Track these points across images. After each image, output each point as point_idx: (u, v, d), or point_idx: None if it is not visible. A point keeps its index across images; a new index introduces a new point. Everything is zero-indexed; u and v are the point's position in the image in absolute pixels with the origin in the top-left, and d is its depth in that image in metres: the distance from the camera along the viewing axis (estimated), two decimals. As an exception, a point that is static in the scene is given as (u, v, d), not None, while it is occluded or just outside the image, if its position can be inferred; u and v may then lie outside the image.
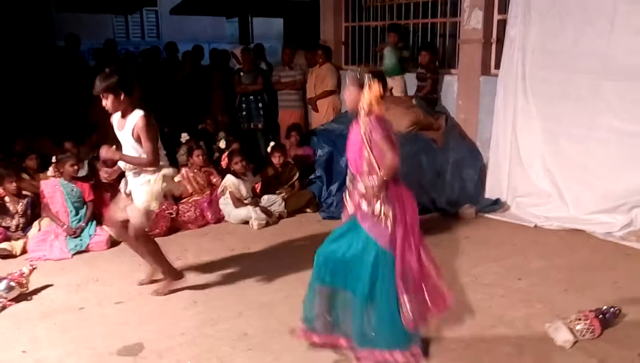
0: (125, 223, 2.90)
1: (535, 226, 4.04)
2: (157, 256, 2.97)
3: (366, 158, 2.20)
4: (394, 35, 5.20)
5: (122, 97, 2.73)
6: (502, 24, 4.55)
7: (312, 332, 2.34)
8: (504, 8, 4.56)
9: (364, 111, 2.20)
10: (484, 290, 2.99)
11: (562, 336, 2.41)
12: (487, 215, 4.30)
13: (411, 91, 5.19)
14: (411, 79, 5.22)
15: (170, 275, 2.99)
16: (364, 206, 2.22)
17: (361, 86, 2.20)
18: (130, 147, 2.76)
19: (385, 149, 2.16)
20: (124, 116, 2.78)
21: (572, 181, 4.01)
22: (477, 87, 4.73)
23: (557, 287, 3.02)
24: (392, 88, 5.35)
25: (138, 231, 2.84)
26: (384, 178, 2.18)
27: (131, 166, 2.79)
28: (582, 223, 3.89)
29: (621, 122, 3.75)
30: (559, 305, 2.77)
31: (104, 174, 2.88)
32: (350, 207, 2.30)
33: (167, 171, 2.82)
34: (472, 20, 4.71)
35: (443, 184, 4.49)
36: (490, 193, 4.51)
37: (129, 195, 2.87)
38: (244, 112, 5.77)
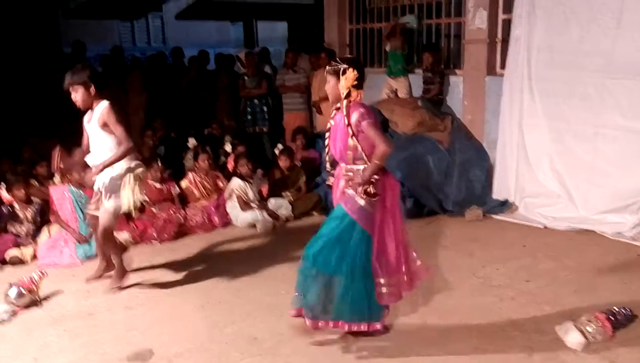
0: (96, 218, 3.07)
1: (544, 227, 4.01)
2: (117, 256, 3.14)
3: (351, 146, 2.26)
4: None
5: (92, 90, 2.85)
6: (507, 24, 4.53)
7: (317, 320, 2.37)
8: (508, 7, 4.54)
9: (344, 98, 2.26)
10: (492, 292, 2.97)
11: (573, 338, 2.39)
12: (494, 216, 4.28)
13: (416, 92, 5.18)
14: (415, 80, 5.20)
15: (120, 275, 3.12)
16: (349, 191, 2.31)
17: (337, 74, 2.26)
18: (99, 137, 2.87)
19: (376, 137, 2.23)
20: (92, 109, 2.90)
21: (580, 180, 3.98)
22: (483, 87, 4.71)
23: (567, 288, 2.99)
24: (396, 90, 5.35)
25: (106, 230, 2.97)
26: (378, 164, 2.24)
27: (103, 164, 2.88)
28: (591, 224, 3.85)
29: (629, 120, 3.71)
30: (569, 306, 2.74)
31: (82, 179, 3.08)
32: (334, 192, 2.40)
33: (138, 171, 2.92)
34: (476, 20, 4.70)
35: (450, 185, 4.47)
36: (497, 193, 4.48)
37: (99, 193, 2.98)
38: (249, 116, 5.80)
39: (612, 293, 2.89)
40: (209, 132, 5.69)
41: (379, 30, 5.75)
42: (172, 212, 4.12)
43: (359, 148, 2.25)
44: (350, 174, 2.30)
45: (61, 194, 3.80)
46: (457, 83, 4.97)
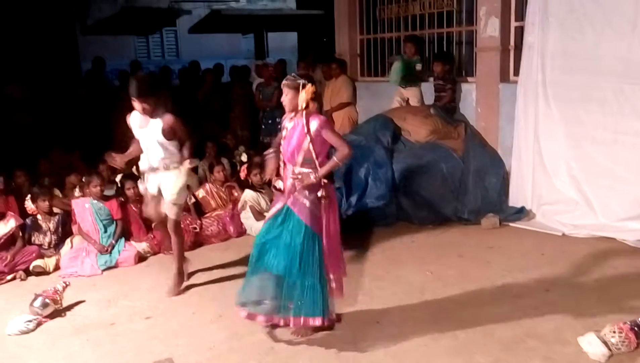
0: (165, 218, 3.22)
1: (563, 234, 3.94)
2: (181, 251, 3.28)
3: (305, 150, 2.50)
4: (410, 46, 5.21)
5: (158, 98, 3.02)
6: (520, 31, 4.52)
7: (255, 314, 2.62)
8: (520, 15, 4.54)
9: (303, 109, 2.51)
10: (511, 302, 2.93)
11: (596, 349, 2.34)
12: (511, 224, 4.23)
13: (428, 101, 5.18)
14: (427, 88, 5.21)
15: (180, 275, 3.26)
16: (297, 192, 2.53)
17: (296, 88, 2.52)
18: (156, 143, 3.01)
19: (337, 141, 2.52)
20: (150, 116, 2.99)
21: (599, 187, 3.92)
22: (497, 94, 4.69)
23: (589, 298, 2.93)
24: (408, 99, 5.36)
25: (176, 223, 3.18)
26: (337, 162, 2.50)
27: (158, 164, 3.05)
28: (612, 231, 3.78)
29: (647, 126, 3.66)
30: (592, 317, 2.68)
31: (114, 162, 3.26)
32: (284, 193, 2.61)
33: (189, 164, 3.12)
34: (488, 28, 4.70)
35: (465, 193, 4.44)
36: (513, 201, 4.43)
37: (156, 195, 3.14)
38: (263, 126, 5.89)
39: (635, 302, 2.83)
40: (223, 142, 5.77)
41: (390, 39, 5.79)
42: (188, 222, 4.18)
43: (313, 153, 2.49)
44: (300, 176, 2.52)
45: (82, 206, 3.89)
46: (469, 90, 4.96)
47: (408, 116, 4.91)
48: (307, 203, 2.51)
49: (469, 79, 5.06)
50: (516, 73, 4.53)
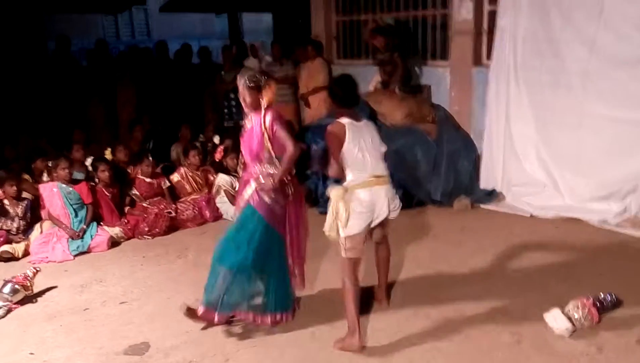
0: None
1: (531, 215, 4.08)
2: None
3: (267, 147, 2.48)
4: (380, 39, 5.08)
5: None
6: (493, 15, 4.57)
7: (212, 312, 2.55)
8: (494, -1, 4.59)
9: (265, 108, 2.48)
10: (481, 280, 3.04)
11: (561, 324, 2.44)
12: (482, 206, 4.35)
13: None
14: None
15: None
16: (260, 191, 2.50)
17: (259, 87, 2.48)
18: (380, 150, 2.68)
19: (286, 140, 2.46)
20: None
21: (566, 169, 4.06)
22: (470, 78, 4.76)
23: (554, 276, 3.06)
24: (383, 81, 5.34)
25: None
26: (287, 167, 2.46)
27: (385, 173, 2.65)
28: (577, 212, 3.93)
29: (611, 110, 3.78)
30: (557, 293, 2.80)
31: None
32: (244, 193, 2.56)
33: None
34: (462, 11, 4.73)
35: (438, 176, 4.52)
36: (485, 183, 4.55)
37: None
38: (225, 110, 5.82)
39: (598, 279, 2.96)
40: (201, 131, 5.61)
41: (366, 21, 5.75)
42: (163, 206, 4.12)
43: (272, 151, 2.46)
44: (261, 175, 2.49)
45: (50, 191, 3.77)
46: (444, 74, 5.01)
47: (384, 100, 4.93)
48: (268, 201, 2.48)
49: (443, 63, 5.10)
50: (489, 57, 4.60)
